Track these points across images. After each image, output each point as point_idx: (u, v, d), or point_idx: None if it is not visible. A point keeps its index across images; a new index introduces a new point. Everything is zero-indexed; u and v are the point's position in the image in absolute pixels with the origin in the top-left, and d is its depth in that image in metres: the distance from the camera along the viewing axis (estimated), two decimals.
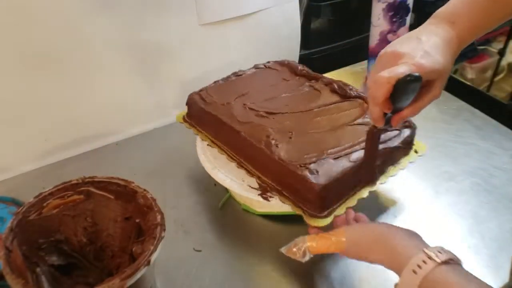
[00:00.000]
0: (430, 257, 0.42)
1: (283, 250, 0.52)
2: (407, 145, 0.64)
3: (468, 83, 1.30)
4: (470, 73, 1.53)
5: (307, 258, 0.50)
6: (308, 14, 1.03)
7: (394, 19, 0.85)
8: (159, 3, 0.77)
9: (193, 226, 0.66)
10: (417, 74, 0.44)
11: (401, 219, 0.66)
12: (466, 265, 0.57)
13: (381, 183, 0.60)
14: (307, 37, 1.03)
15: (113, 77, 0.80)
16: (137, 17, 0.77)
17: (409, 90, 0.45)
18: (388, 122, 0.49)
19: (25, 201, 0.51)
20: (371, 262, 0.47)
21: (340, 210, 0.56)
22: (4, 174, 0.76)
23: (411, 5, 0.86)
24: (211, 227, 0.66)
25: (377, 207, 0.68)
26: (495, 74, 1.47)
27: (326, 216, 0.54)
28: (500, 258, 0.60)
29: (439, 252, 0.43)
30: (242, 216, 0.68)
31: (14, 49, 0.69)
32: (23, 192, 0.66)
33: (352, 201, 0.57)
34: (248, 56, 0.91)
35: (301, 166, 0.55)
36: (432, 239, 0.63)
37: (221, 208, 0.69)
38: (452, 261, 0.43)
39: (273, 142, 0.60)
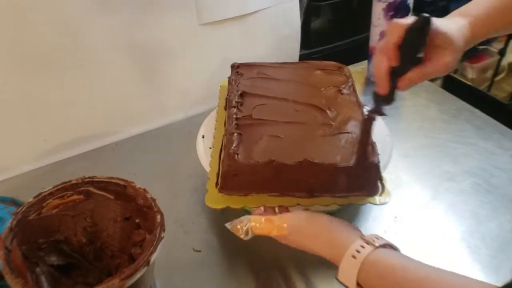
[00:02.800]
0: (368, 242, 0.43)
1: (227, 225, 0.53)
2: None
3: (468, 83, 1.30)
4: (471, 73, 1.53)
5: (249, 237, 0.51)
6: (308, 14, 1.03)
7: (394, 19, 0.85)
8: (159, 3, 0.77)
9: (193, 226, 0.66)
10: (427, 15, 0.44)
11: (400, 219, 0.66)
12: (466, 265, 0.57)
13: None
14: (307, 37, 1.03)
15: (113, 77, 0.80)
16: (137, 17, 0.77)
17: (418, 36, 0.45)
18: (391, 97, 0.48)
19: (25, 201, 0.51)
20: (312, 252, 0.48)
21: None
22: (4, 174, 0.76)
23: (411, 5, 0.86)
24: (211, 227, 0.66)
25: (376, 207, 0.68)
26: (496, 74, 1.47)
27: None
28: (500, 258, 0.60)
29: (376, 238, 0.44)
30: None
31: (13, 49, 0.69)
32: (23, 192, 0.66)
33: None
34: (248, 56, 0.91)
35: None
36: (432, 239, 0.64)
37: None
38: (389, 246, 0.44)
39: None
